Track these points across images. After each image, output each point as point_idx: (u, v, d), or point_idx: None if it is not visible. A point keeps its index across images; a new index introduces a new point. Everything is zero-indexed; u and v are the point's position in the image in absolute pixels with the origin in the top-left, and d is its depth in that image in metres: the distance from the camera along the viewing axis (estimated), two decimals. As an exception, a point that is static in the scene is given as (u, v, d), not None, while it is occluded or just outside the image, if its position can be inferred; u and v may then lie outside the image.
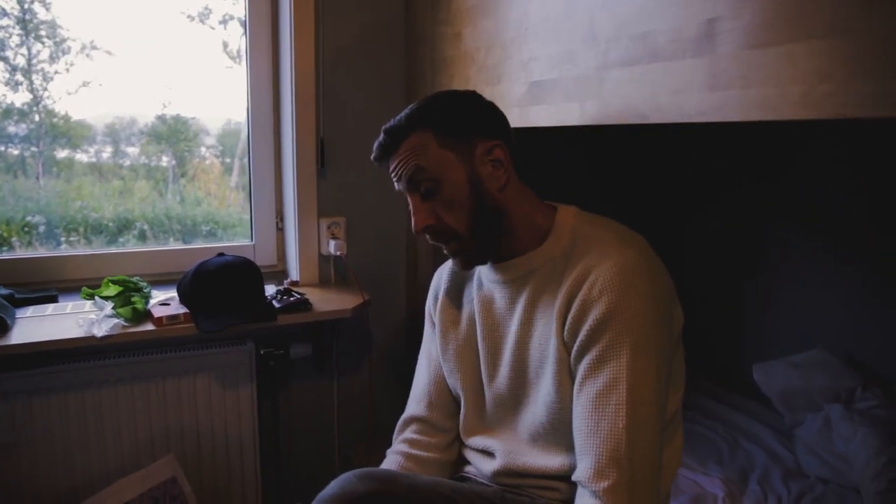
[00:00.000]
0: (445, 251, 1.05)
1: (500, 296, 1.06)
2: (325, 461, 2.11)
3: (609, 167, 2.47)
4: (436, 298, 1.20)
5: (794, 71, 0.83)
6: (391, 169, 1.02)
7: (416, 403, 1.19)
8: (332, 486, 0.96)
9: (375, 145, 1.04)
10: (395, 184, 1.04)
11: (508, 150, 1.01)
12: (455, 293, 1.17)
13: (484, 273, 1.10)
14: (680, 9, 1.00)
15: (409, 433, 1.18)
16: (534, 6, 1.37)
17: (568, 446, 0.96)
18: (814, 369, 1.85)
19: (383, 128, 1.02)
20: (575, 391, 0.92)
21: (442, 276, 1.21)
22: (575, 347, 0.92)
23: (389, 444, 1.22)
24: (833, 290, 1.94)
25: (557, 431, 0.98)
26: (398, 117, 1.02)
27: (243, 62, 2.03)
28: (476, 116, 1.02)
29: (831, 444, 1.72)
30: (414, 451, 1.15)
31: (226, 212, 2.16)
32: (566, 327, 0.93)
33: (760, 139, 2.09)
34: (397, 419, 1.23)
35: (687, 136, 2.34)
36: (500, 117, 1.04)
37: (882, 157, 1.77)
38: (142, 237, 2.02)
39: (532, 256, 1.01)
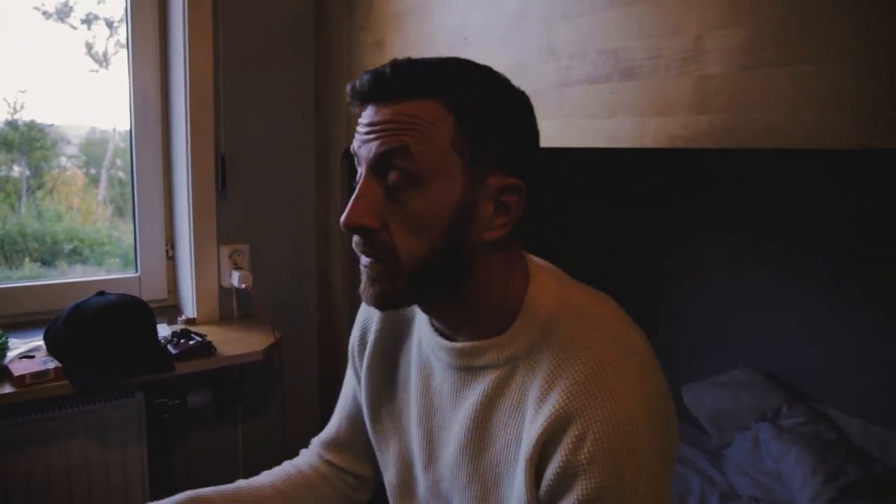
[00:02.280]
0: (361, 269, 0.73)
1: (442, 375, 0.80)
2: (229, 522, 1.85)
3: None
4: (363, 344, 0.91)
5: (803, 95, 0.76)
6: (368, 121, 0.69)
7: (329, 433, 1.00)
8: None
9: (370, 73, 0.69)
10: (356, 144, 0.71)
11: (524, 201, 0.71)
12: (387, 343, 0.89)
13: (424, 333, 0.82)
14: (661, 24, 0.91)
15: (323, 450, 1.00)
16: (476, 13, 1.25)
17: None
18: (739, 388, 1.87)
19: (392, 60, 0.69)
20: None
21: (372, 316, 0.91)
22: None
23: None
24: (750, 307, 1.98)
25: None
26: (419, 62, 0.69)
27: (111, 66, 1.85)
28: (516, 134, 0.71)
29: (761, 463, 1.74)
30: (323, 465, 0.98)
31: (92, 227, 1.96)
32: (543, 487, 0.69)
33: (674, 157, 2.10)
34: None
35: (596, 154, 2.32)
36: (537, 146, 0.75)
37: (797, 174, 1.82)
38: None
39: (489, 347, 0.74)
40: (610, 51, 0.99)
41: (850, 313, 1.77)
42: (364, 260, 0.71)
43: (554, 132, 1.09)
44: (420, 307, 0.78)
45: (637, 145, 0.96)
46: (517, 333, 0.72)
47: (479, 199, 0.68)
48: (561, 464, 0.65)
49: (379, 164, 0.67)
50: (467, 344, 0.75)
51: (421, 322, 0.83)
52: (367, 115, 0.69)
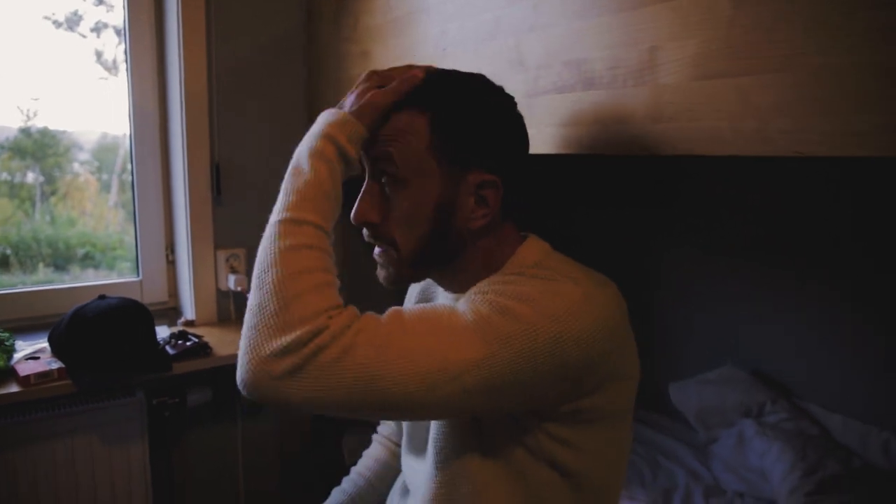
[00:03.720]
0: (375, 256, 0.85)
1: None
2: (229, 517, 1.91)
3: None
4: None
5: (746, 105, 0.80)
6: (379, 131, 0.81)
7: None
8: None
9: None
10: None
11: (504, 191, 0.79)
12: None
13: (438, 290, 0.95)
14: (619, 36, 0.95)
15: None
16: (453, 25, 1.29)
17: None
18: (726, 385, 1.90)
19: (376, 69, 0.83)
20: None
21: (412, 296, 1.06)
22: None
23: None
24: (738, 307, 2.00)
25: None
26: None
27: (120, 73, 1.88)
28: (490, 136, 0.79)
29: (746, 459, 1.77)
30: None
31: (104, 233, 2.00)
32: None
33: (659, 164, 2.14)
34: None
35: (588, 163, 2.36)
36: (517, 146, 0.83)
37: (782, 175, 1.85)
38: (4, 263, 1.81)
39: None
40: (574, 62, 1.04)
41: (834, 313, 1.80)
42: (376, 249, 0.83)
43: (525, 139, 1.14)
44: (400, 286, 0.88)
45: (599, 152, 1.01)
46: (496, 273, 0.81)
47: (460, 193, 0.78)
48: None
49: (374, 168, 0.80)
50: (461, 294, 0.81)
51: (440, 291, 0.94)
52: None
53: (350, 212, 0.81)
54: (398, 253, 0.80)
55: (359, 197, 0.81)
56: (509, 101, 0.83)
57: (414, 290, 1.06)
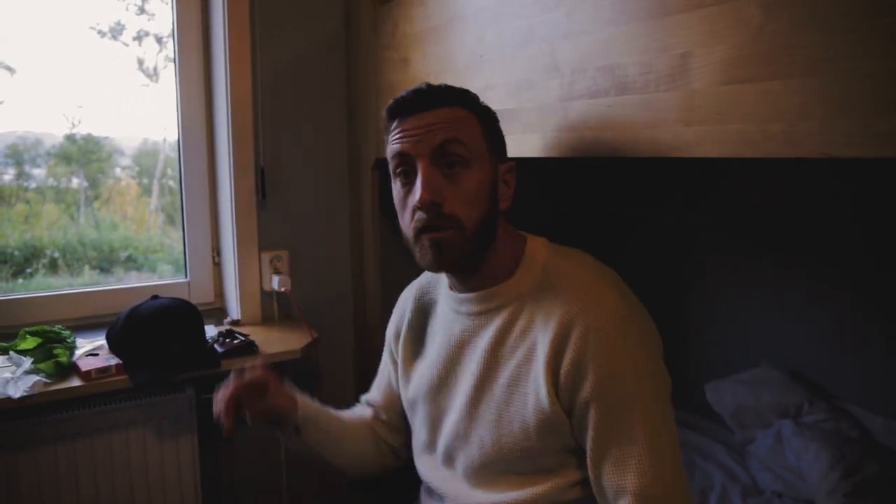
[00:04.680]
0: (427, 243, 0.91)
1: (461, 328, 1.00)
2: (273, 510, 1.98)
3: (543, 187, 2.47)
4: (398, 329, 1.15)
5: (773, 108, 0.82)
6: (414, 126, 0.90)
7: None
8: None
9: (408, 92, 0.93)
10: (405, 145, 0.90)
11: (515, 178, 1.01)
12: (418, 323, 1.11)
13: (447, 302, 1.04)
14: (651, 42, 0.98)
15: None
16: (489, 32, 1.33)
17: (509, 479, 0.95)
18: (761, 386, 1.89)
19: (424, 83, 0.95)
20: (589, 452, 0.88)
21: (407, 303, 1.15)
22: (576, 409, 0.88)
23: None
24: (773, 306, 1.99)
25: (496, 465, 0.96)
26: (426, 85, 0.94)
27: (161, 80, 1.94)
28: (502, 138, 1.01)
29: (783, 459, 1.76)
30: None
31: (145, 236, 2.05)
32: (560, 385, 0.88)
33: (700, 161, 2.14)
34: None
35: (621, 166, 2.37)
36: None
37: (821, 175, 1.84)
38: (52, 266, 1.87)
39: (500, 291, 0.96)
40: (607, 67, 1.06)
41: (872, 312, 1.78)
42: (430, 236, 0.90)
43: (559, 143, 1.17)
44: (465, 265, 0.96)
45: (632, 155, 1.04)
46: (523, 275, 0.95)
47: (497, 178, 0.96)
48: (573, 357, 0.85)
49: (437, 152, 0.89)
50: (483, 291, 0.97)
51: (442, 293, 1.06)
52: (412, 121, 0.91)
53: (387, 209, 0.96)
54: (463, 232, 0.90)
55: (419, 183, 0.89)
56: None
57: (407, 305, 1.15)
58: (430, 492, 1.07)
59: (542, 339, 0.89)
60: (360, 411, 1.23)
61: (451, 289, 1.02)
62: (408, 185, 0.92)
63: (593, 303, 0.88)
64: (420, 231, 0.91)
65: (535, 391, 0.89)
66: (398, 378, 1.14)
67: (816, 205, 1.85)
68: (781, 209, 1.94)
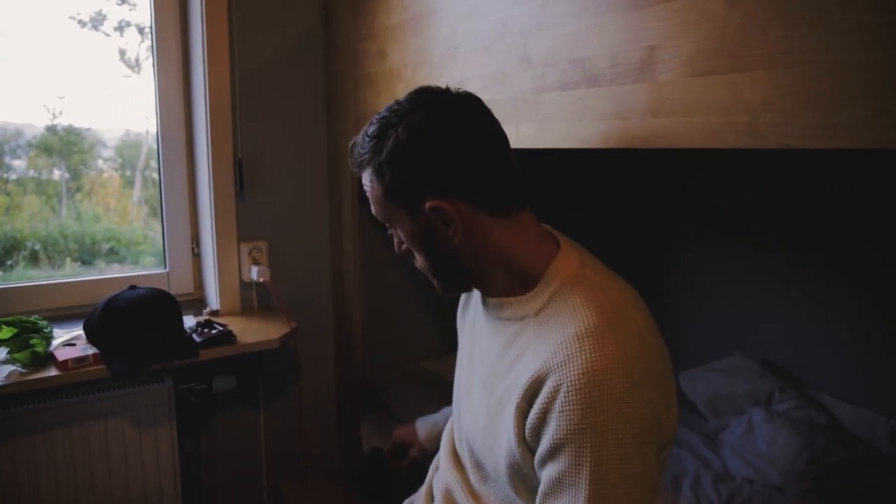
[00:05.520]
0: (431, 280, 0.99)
1: (483, 324, 0.99)
2: (253, 500, 1.99)
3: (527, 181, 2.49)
4: (460, 305, 1.16)
5: (737, 100, 0.84)
6: None
7: None
8: None
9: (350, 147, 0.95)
10: None
11: (467, 201, 0.86)
12: (466, 305, 1.12)
13: (476, 294, 1.04)
14: (620, 35, 1.00)
15: None
16: (464, 25, 1.34)
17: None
18: (735, 374, 1.92)
19: (353, 140, 0.94)
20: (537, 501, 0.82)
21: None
22: (536, 456, 0.81)
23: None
24: (748, 296, 2.03)
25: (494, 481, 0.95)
26: (361, 138, 0.91)
27: (143, 71, 1.93)
28: (432, 166, 0.85)
29: (754, 446, 1.79)
30: None
31: (128, 228, 2.04)
32: (526, 430, 0.81)
33: (673, 153, 2.17)
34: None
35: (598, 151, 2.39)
36: (461, 159, 0.86)
37: (794, 164, 1.87)
38: (33, 258, 1.86)
39: (511, 304, 0.90)
40: (578, 60, 1.08)
41: (843, 301, 1.81)
42: (429, 278, 0.96)
43: (532, 134, 1.19)
44: (467, 290, 1.02)
45: (602, 146, 1.05)
46: (532, 297, 0.88)
47: (427, 221, 0.87)
48: (539, 410, 0.78)
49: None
50: (496, 299, 0.93)
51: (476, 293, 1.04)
52: None
53: (366, 201, 0.93)
54: (433, 274, 0.94)
55: None
56: (470, 119, 0.88)
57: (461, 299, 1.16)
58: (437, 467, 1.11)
59: (524, 377, 0.82)
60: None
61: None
62: None
63: (577, 358, 0.76)
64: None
65: (508, 428, 0.84)
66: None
67: (790, 195, 1.89)
68: (756, 199, 1.97)
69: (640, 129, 0.99)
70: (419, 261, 0.94)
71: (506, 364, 0.89)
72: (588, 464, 0.74)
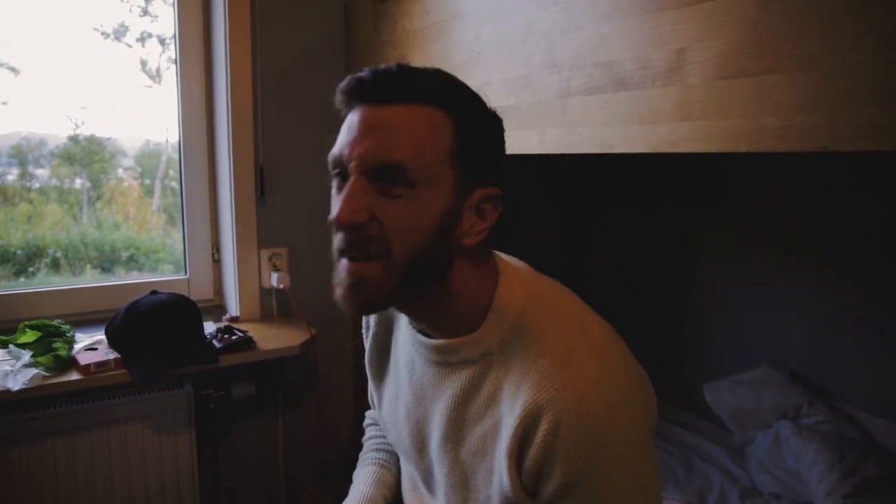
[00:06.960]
0: (345, 270, 0.71)
1: (423, 369, 0.82)
2: (271, 506, 1.98)
3: (547, 188, 2.47)
4: (366, 336, 0.96)
5: (769, 103, 0.82)
6: (361, 124, 0.68)
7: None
8: None
9: (370, 71, 0.69)
10: (345, 148, 0.69)
11: (499, 209, 0.73)
12: (382, 337, 0.93)
13: (408, 330, 0.83)
14: (647, 38, 0.98)
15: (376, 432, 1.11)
16: (486, 29, 1.33)
17: None
18: (761, 386, 1.88)
19: (396, 63, 0.70)
20: None
21: (369, 317, 0.96)
22: (540, 498, 0.72)
23: (339, 485, 1.14)
24: (774, 307, 1.99)
25: None
26: (423, 68, 0.71)
27: (163, 81, 1.95)
28: (497, 149, 0.74)
29: (782, 461, 1.75)
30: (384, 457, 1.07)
31: (147, 236, 2.05)
32: (523, 474, 0.71)
33: (699, 160, 2.14)
34: (347, 457, 1.16)
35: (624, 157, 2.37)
36: (505, 162, 0.77)
37: (822, 176, 1.83)
38: (54, 265, 1.88)
39: (462, 345, 0.76)
40: (604, 63, 1.06)
41: (873, 314, 1.77)
42: (347, 265, 0.70)
43: (557, 139, 1.17)
44: (398, 307, 0.79)
45: (629, 151, 1.03)
46: (489, 330, 0.74)
47: (463, 207, 0.70)
48: (539, 453, 0.68)
49: (372, 168, 0.67)
50: (443, 341, 0.77)
51: (401, 319, 0.86)
52: (362, 115, 0.68)
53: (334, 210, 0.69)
54: (390, 258, 0.68)
55: (344, 194, 0.68)
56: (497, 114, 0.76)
57: (370, 317, 0.95)
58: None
59: (507, 420, 0.72)
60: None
61: (410, 323, 0.82)
62: (340, 194, 0.70)
63: (569, 386, 0.68)
64: (339, 255, 0.71)
65: (499, 473, 0.74)
66: (373, 391, 0.99)
67: (820, 204, 1.85)
68: (784, 208, 1.93)
69: (669, 133, 0.97)
70: (401, 245, 0.68)
71: (474, 411, 0.76)
72: (606, 494, 0.69)
